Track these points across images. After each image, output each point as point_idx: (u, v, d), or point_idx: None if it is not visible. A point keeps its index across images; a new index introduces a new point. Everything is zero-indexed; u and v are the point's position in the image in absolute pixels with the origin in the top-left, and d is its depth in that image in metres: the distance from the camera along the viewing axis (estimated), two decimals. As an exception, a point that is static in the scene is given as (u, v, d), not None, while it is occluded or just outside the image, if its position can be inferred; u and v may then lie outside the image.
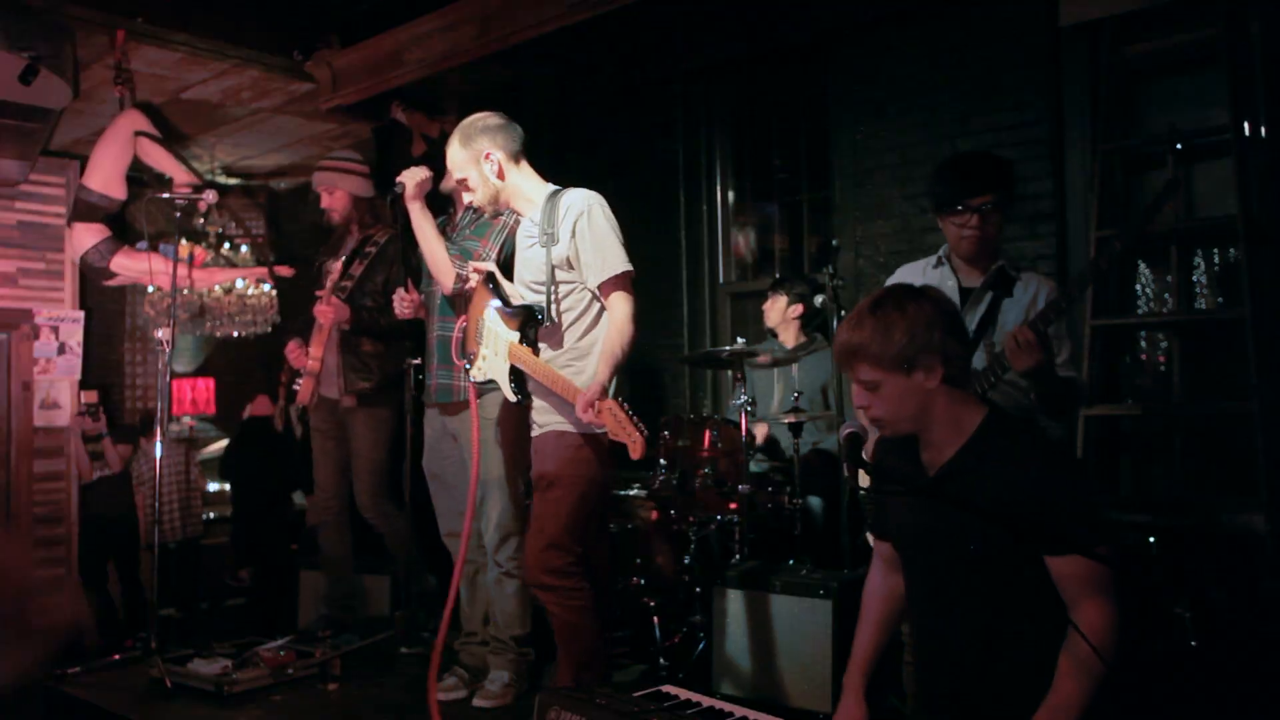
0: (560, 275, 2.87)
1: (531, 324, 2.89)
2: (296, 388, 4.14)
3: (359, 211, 4.25)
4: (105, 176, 5.17)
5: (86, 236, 5.53)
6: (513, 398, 2.92)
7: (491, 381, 3.02)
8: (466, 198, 3.06)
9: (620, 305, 2.81)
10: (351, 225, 4.26)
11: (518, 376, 2.91)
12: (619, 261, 2.82)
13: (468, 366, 3.06)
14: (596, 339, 2.88)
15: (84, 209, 5.39)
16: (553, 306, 2.87)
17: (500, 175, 2.92)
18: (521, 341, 2.89)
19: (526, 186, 2.96)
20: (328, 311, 3.99)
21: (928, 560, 2.00)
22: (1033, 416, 2.70)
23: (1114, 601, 1.79)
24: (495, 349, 2.96)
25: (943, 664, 1.99)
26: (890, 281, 3.03)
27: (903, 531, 2.07)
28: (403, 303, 3.54)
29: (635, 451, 2.55)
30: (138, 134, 4.99)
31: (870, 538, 2.27)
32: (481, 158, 2.90)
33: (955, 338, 1.92)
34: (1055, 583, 1.82)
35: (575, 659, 2.88)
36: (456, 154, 2.94)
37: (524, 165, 2.97)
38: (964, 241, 2.72)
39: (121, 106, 4.86)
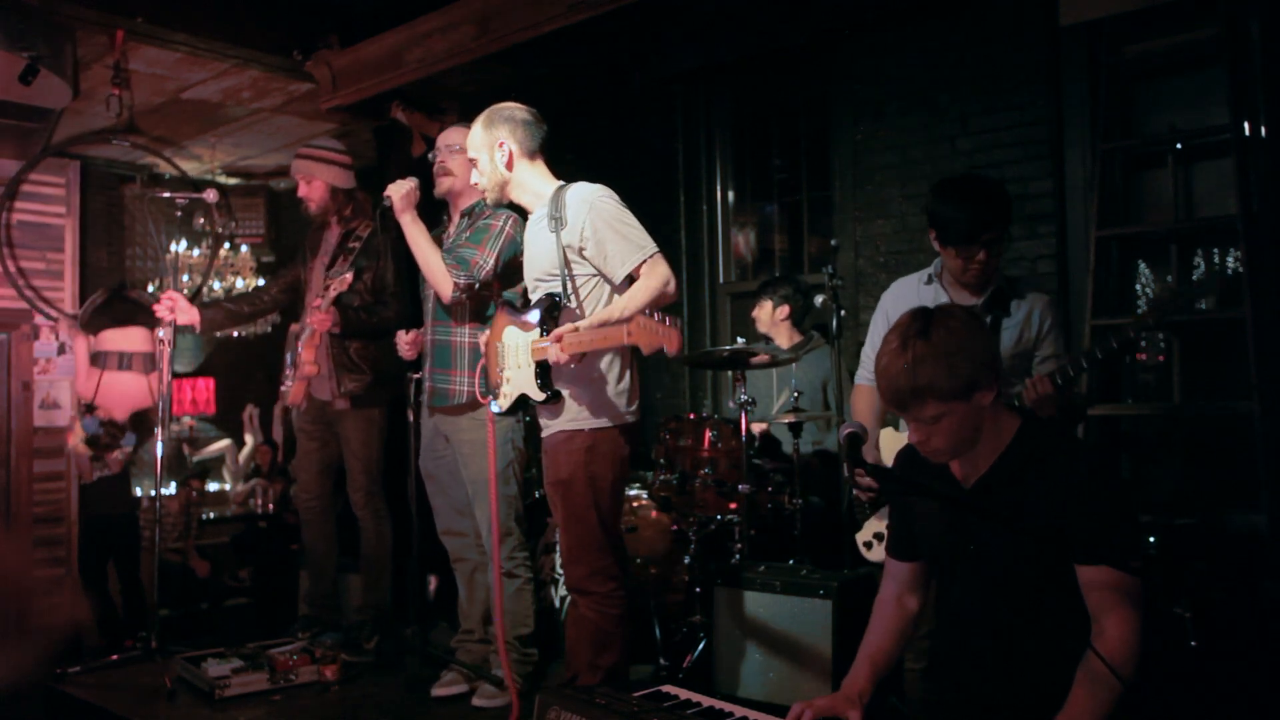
0: (573, 259, 2.79)
1: (551, 312, 2.80)
2: (284, 389, 4.07)
3: (337, 204, 4.14)
4: None
5: None
6: (539, 397, 2.80)
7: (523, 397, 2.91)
8: (473, 178, 3.02)
9: (655, 271, 2.70)
10: (331, 219, 4.17)
11: (543, 373, 2.80)
12: (643, 245, 2.74)
13: (494, 404, 2.97)
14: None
15: None
16: (567, 284, 2.79)
17: (509, 166, 2.90)
18: (543, 334, 2.78)
19: (534, 182, 2.92)
20: (325, 319, 3.96)
21: (966, 571, 1.95)
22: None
23: (1140, 613, 1.76)
24: (518, 362, 2.87)
25: (976, 674, 1.95)
26: (886, 297, 3.04)
27: (938, 545, 2.02)
28: (403, 344, 3.54)
29: (672, 346, 2.45)
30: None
31: (884, 557, 2.23)
32: (495, 145, 2.89)
33: (996, 348, 1.91)
34: (1082, 590, 1.78)
35: (602, 669, 2.78)
36: (476, 135, 2.94)
37: (538, 163, 2.94)
38: (969, 273, 2.78)
39: (108, 107, 4.72)
